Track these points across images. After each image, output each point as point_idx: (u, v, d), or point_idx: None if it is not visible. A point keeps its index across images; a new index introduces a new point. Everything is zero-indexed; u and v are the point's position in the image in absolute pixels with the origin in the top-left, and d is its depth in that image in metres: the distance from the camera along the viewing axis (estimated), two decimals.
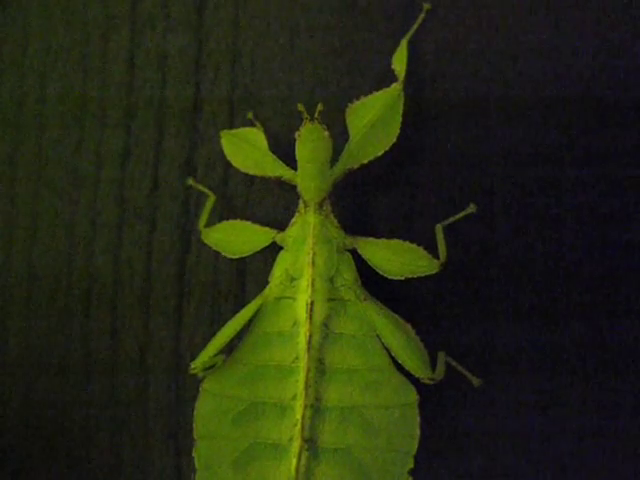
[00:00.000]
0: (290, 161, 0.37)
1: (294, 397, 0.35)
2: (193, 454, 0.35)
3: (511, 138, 0.39)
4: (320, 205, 0.36)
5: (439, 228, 0.37)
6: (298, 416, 0.34)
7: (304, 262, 0.36)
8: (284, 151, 0.38)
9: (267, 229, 0.38)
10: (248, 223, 0.38)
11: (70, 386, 0.41)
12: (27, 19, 0.42)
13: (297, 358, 0.35)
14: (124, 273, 0.41)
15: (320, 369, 0.35)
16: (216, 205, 0.40)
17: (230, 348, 0.36)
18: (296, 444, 0.34)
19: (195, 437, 0.35)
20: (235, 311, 0.37)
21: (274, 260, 0.37)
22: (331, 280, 0.36)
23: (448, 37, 0.39)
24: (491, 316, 0.39)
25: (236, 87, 0.41)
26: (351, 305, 0.36)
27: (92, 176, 0.42)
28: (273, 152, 0.38)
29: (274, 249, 0.37)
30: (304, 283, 0.35)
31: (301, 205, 0.37)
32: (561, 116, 0.39)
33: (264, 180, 0.40)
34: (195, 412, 0.35)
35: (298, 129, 0.36)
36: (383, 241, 0.37)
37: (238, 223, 0.38)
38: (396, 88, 0.37)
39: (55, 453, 0.41)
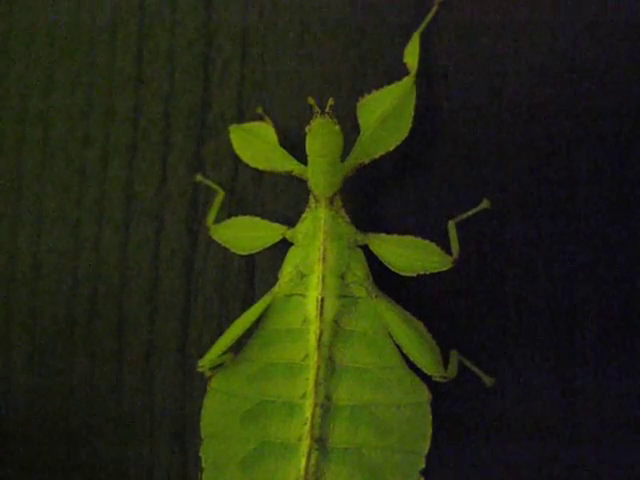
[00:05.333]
0: (300, 156, 0.36)
1: (304, 395, 0.34)
2: (200, 453, 0.35)
3: (525, 133, 0.39)
4: (331, 200, 0.36)
5: (452, 224, 0.37)
6: (308, 415, 0.34)
7: (314, 258, 0.35)
8: (294, 146, 0.38)
9: (277, 225, 0.37)
10: (257, 219, 0.38)
11: (76, 384, 0.41)
12: (33, 12, 0.42)
13: (307, 356, 0.35)
14: (131, 270, 0.41)
15: (330, 367, 0.34)
16: (225, 201, 0.40)
17: (239, 346, 0.36)
18: (306, 443, 0.34)
19: (202, 436, 0.35)
20: (244, 308, 0.37)
21: (284, 257, 0.36)
22: (342, 276, 0.35)
23: (461, 30, 0.39)
24: (504, 314, 0.38)
25: (245, 81, 0.41)
26: (362, 302, 0.35)
27: (99, 172, 0.41)
28: (283, 147, 0.37)
29: (284, 245, 0.37)
30: (314, 279, 0.35)
31: (312, 200, 0.36)
32: (576, 110, 0.38)
33: (274, 175, 0.40)
34: (203, 411, 0.35)
35: (308, 123, 0.35)
36: (395, 237, 0.36)
37: (247, 219, 0.38)
38: (408, 82, 0.37)
39: (60, 452, 0.41)
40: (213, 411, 0.35)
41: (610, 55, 0.39)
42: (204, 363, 0.35)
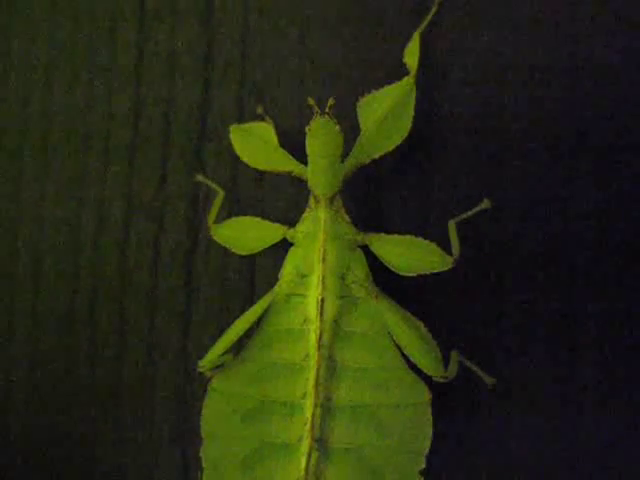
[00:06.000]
0: (300, 156, 0.36)
1: (304, 396, 0.34)
2: (200, 454, 0.35)
3: (525, 133, 0.38)
4: (331, 200, 0.36)
5: (452, 224, 0.37)
6: (308, 415, 0.34)
7: (315, 258, 0.35)
8: (294, 146, 0.38)
9: (277, 225, 0.37)
10: (258, 219, 0.38)
11: (76, 385, 0.41)
12: (34, 14, 0.42)
13: (307, 356, 0.35)
14: (131, 271, 0.41)
15: (330, 367, 0.34)
16: (225, 201, 0.40)
17: (239, 346, 0.36)
18: (306, 443, 0.34)
19: (203, 436, 0.35)
20: (244, 309, 0.37)
21: (284, 257, 0.36)
22: (342, 277, 0.35)
23: (461, 30, 0.39)
24: (505, 314, 0.38)
25: (245, 81, 0.40)
26: (362, 302, 0.35)
27: (99, 172, 0.41)
28: (283, 147, 0.37)
29: (284, 245, 0.37)
30: (315, 280, 0.35)
31: (312, 200, 0.36)
32: (577, 110, 0.38)
33: (274, 175, 0.39)
34: (203, 411, 0.35)
35: (308, 123, 0.35)
36: (395, 237, 0.36)
37: (248, 219, 0.38)
38: (408, 81, 0.37)
39: (60, 453, 0.41)
40: (213, 411, 0.35)
41: (612, 53, 0.38)
42: (204, 363, 0.35)
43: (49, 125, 0.42)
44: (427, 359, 0.35)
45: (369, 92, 0.36)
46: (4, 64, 0.43)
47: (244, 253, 0.38)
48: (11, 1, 0.43)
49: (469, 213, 0.37)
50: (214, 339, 0.36)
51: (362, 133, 0.36)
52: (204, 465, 0.35)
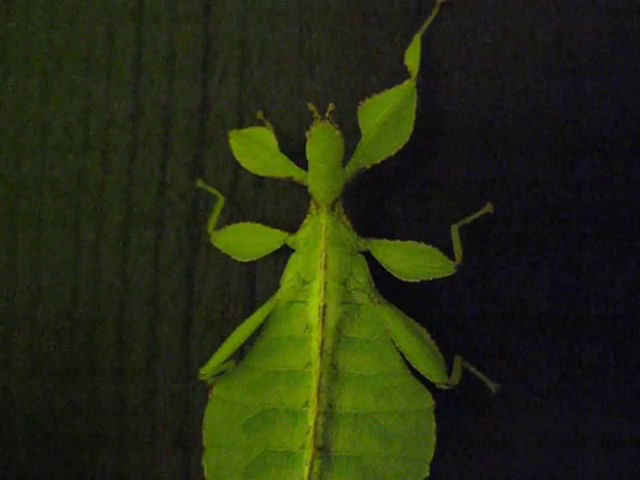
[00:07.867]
0: (301, 161, 0.36)
1: (306, 403, 0.34)
2: (202, 463, 0.35)
3: (527, 135, 0.38)
4: (332, 206, 0.36)
5: (455, 229, 0.36)
6: (310, 423, 0.34)
7: (316, 265, 0.35)
8: (295, 151, 0.37)
9: (278, 231, 0.37)
10: (258, 225, 0.38)
11: (77, 392, 0.41)
12: (31, 17, 0.42)
13: (309, 363, 0.34)
14: (131, 277, 0.41)
15: (333, 374, 0.34)
16: (225, 207, 0.40)
17: (241, 354, 0.36)
18: (309, 452, 0.34)
19: (204, 445, 0.35)
20: (245, 316, 0.36)
21: (285, 263, 0.36)
22: (344, 283, 0.35)
23: (462, 32, 0.39)
24: (508, 319, 0.38)
25: (245, 86, 0.40)
26: (365, 309, 0.35)
27: (98, 178, 0.41)
28: (283, 152, 0.37)
29: (285, 252, 0.36)
30: (316, 286, 0.35)
31: (313, 206, 0.36)
32: (579, 112, 0.38)
33: (274, 181, 0.39)
34: (205, 419, 0.35)
35: (309, 128, 0.35)
36: (397, 243, 0.36)
37: (248, 225, 0.38)
38: (409, 85, 0.36)
39: (61, 460, 0.41)
40: (215, 420, 0.35)
41: (613, 55, 0.38)
42: (206, 371, 0.35)
43: (48, 131, 0.42)
44: (430, 365, 0.34)
45: (370, 96, 0.36)
46: (2, 68, 0.42)
47: (245, 260, 0.38)
48: (9, 4, 0.42)
49: (472, 217, 0.37)
50: (215, 346, 0.36)
51: (363, 138, 0.36)
52: (206, 474, 0.34)
